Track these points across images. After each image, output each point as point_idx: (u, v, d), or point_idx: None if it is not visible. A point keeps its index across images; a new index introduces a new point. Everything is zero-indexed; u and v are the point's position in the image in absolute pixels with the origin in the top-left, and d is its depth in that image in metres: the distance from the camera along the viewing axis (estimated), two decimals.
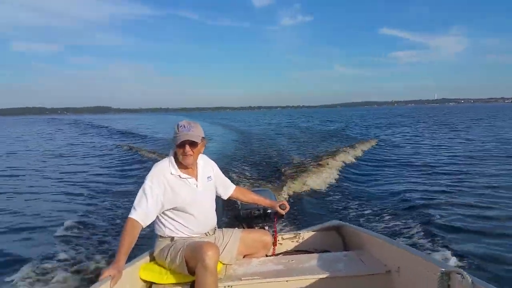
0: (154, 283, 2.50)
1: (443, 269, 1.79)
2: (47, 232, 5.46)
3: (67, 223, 5.65)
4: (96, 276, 2.29)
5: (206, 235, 2.67)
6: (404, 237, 4.72)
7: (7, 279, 3.85)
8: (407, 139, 19.30)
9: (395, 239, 2.96)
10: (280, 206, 3.03)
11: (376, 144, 16.29)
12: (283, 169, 9.73)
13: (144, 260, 2.61)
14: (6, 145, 22.47)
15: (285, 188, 7.50)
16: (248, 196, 3.07)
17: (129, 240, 2.29)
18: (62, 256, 4.34)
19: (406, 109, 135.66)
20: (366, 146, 14.68)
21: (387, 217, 5.63)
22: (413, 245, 4.29)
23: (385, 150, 14.45)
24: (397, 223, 5.34)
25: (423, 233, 4.80)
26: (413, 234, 4.81)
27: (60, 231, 5.32)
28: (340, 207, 6.49)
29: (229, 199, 3.02)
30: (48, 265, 4.11)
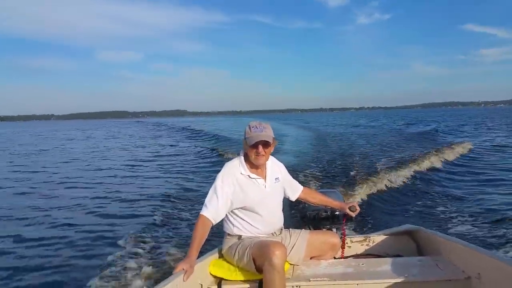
0: (224, 279, 2.57)
1: None
2: (124, 224, 5.86)
3: (141, 214, 6.13)
4: (170, 268, 2.42)
5: (273, 235, 2.70)
6: (485, 245, 4.30)
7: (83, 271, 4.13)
8: (501, 143, 16.50)
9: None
10: (350, 208, 2.94)
11: (464, 148, 13.97)
12: (353, 170, 9.46)
13: (213, 256, 2.70)
14: (123, 140, 27.08)
15: (355, 190, 7.27)
16: (317, 198, 3.04)
17: (200, 236, 2.40)
18: (138, 249, 4.58)
19: (496, 110, 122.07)
20: (450, 150, 12.96)
21: (467, 225, 5.22)
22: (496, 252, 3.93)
23: (475, 155, 12.74)
24: (479, 231, 4.94)
25: (507, 242, 4.38)
26: (497, 242, 4.41)
27: (136, 225, 5.69)
28: (414, 212, 6.16)
29: (296, 200, 3.03)
30: (126, 258, 4.31)
